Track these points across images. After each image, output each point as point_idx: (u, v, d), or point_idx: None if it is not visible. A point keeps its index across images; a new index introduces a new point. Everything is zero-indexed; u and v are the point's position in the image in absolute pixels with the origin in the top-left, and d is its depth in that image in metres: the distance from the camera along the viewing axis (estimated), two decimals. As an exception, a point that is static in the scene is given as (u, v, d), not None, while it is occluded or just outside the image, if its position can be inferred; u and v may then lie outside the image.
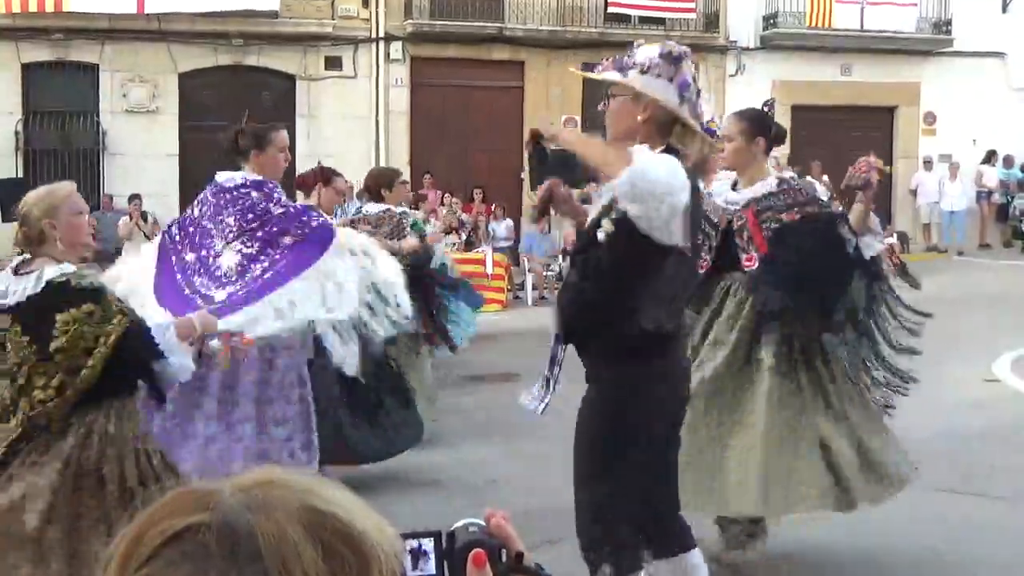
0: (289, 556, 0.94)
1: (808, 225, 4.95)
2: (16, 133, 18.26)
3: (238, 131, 5.54)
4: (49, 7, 17.86)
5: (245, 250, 5.13)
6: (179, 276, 5.12)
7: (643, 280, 3.59)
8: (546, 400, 3.85)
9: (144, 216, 16.43)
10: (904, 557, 5.40)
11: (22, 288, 3.89)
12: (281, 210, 5.25)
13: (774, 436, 4.74)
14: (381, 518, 1.03)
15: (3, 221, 14.42)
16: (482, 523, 1.20)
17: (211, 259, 5.13)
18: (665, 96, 3.64)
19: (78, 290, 3.87)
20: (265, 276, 5.03)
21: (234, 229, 5.20)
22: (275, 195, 5.32)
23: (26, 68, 18.48)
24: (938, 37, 22.24)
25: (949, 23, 22.18)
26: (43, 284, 3.88)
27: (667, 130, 3.67)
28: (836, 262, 4.97)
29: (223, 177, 5.46)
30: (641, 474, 3.71)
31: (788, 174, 5.60)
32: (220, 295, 4.96)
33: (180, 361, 3.98)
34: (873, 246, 4.97)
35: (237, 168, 5.49)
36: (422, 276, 7.16)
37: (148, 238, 16.48)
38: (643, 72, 3.66)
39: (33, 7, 17.86)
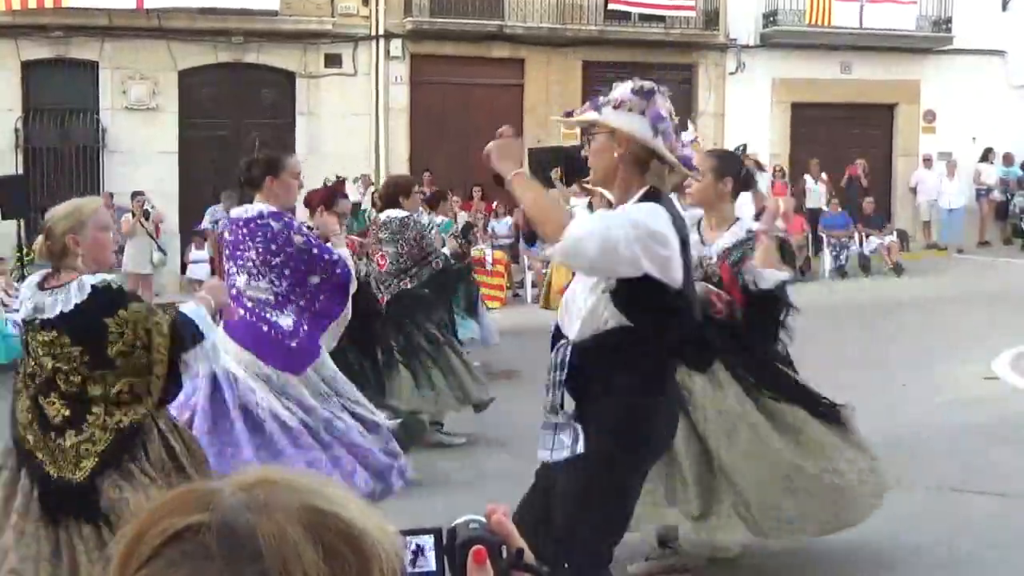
0: (289, 556, 0.94)
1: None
2: (16, 130, 18.23)
3: (250, 161, 5.53)
4: (48, 4, 17.84)
5: (275, 288, 5.26)
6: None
7: (657, 317, 3.66)
8: (568, 445, 3.79)
9: (146, 214, 16.41)
10: (903, 553, 5.40)
11: (64, 299, 3.92)
12: (302, 239, 5.30)
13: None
14: (381, 517, 1.02)
15: (2, 218, 14.43)
16: (483, 519, 1.20)
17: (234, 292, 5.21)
18: (639, 131, 3.65)
19: (121, 292, 3.99)
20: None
21: (257, 263, 5.26)
22: (294, 224, 5.36)
23: (26, 65, 18.46)
24: (938, 35, 22.22)
25: (949, 21, 22.17)
26: (88, 290, 3.91)
27: (644, 165, 3.68)
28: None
29: (237, 212, 5.51)
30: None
31: (761, 183, 5.71)
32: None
33: (214, 340, 4.12)
34: (770, 279, 4.98)
35: (250, 197, 5.51)
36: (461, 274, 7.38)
37: (151, 235, 16.53)
38: (615, 108, 3.69)
39: (33, 4, 17.84)
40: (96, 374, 3.88)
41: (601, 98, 3.75)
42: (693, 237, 4.70)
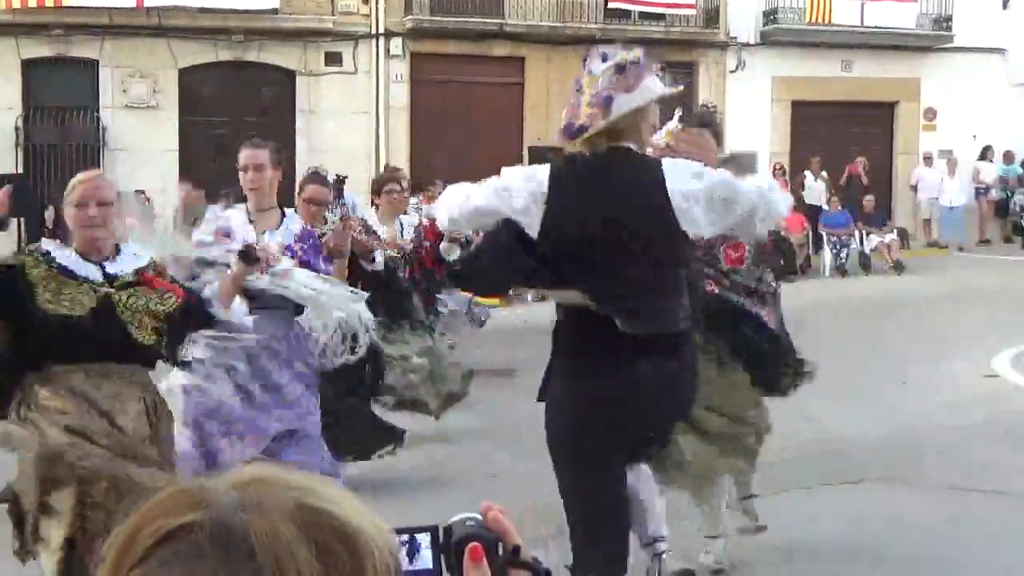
0: (283, 555, 0.93)
1: None
2: (16, 129, 18.24)
3: None
4: (49, 3, 17.86)
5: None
6: None
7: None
8: None
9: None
10: (904, 552, 5.40)
11: None
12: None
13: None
14: (375, 515, 1.02)
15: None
16: (479, 517, 1.21)
17: None
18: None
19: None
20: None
21: None
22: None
23: (26, 64, 18.46)
24: (938, 33, 22.21)
25: (949, 19, 22.16)
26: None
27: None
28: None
29: None
30: None
31: None
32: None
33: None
34: None
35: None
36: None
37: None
38: None
39: (33, 3, 17.85)
40: None
41: None
42: None
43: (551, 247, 3.69)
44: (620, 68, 3.73)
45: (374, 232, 7.26)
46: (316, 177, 6.85)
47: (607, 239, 3.72)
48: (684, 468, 4.67)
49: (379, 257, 7.08)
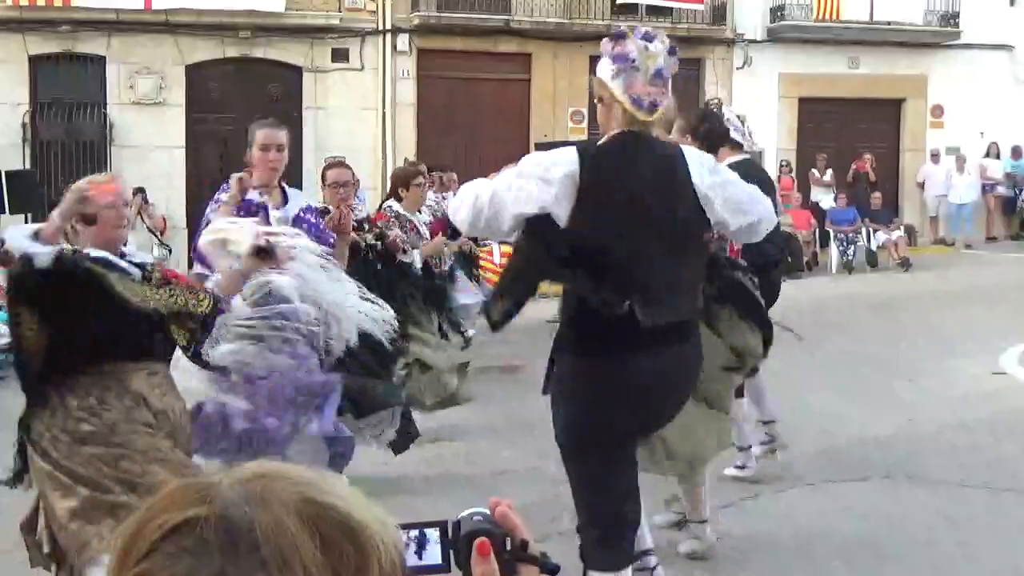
0: (288, 549, 0.94)
1: None
2: (24, 125, 18.27)
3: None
4: (56, 0, 17.89)
5: None
6: None
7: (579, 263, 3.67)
8: None
9: (145, 207, 16.43)
10: (911, 548, 5.39)
11: None
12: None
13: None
14: (381, 510, 1.02)
15: (10, 212, 14.47)
16: (487, 512, 1.21)
17: None
18: (602, 73, 3.76)
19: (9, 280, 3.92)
20: None
21: None
22: (210, 207, 5.29)
23: (33, 60, 18.48)
24: (946, 30, 22.17)
25: (957, 16, 22.11)
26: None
27: (612, 109, 3.76)
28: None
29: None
30: None
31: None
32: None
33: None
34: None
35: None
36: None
37: (152, 232, 16.54)
38: (601, 57, 3.82)
39: (40, 0, 17.88)
40: None
41: None
42: None
43: (582, 234, 3.61)
44: (672, 51, 3.76)
45: (416, 231, 7.65)
46: (335, 162, 7.20)
47: (640, 225, 3.67)
48: (675, 453, 4.75)
49: (417, 257, 7.43)
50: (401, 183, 7.87)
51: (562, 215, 3.59)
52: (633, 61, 3.66)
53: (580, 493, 3.85)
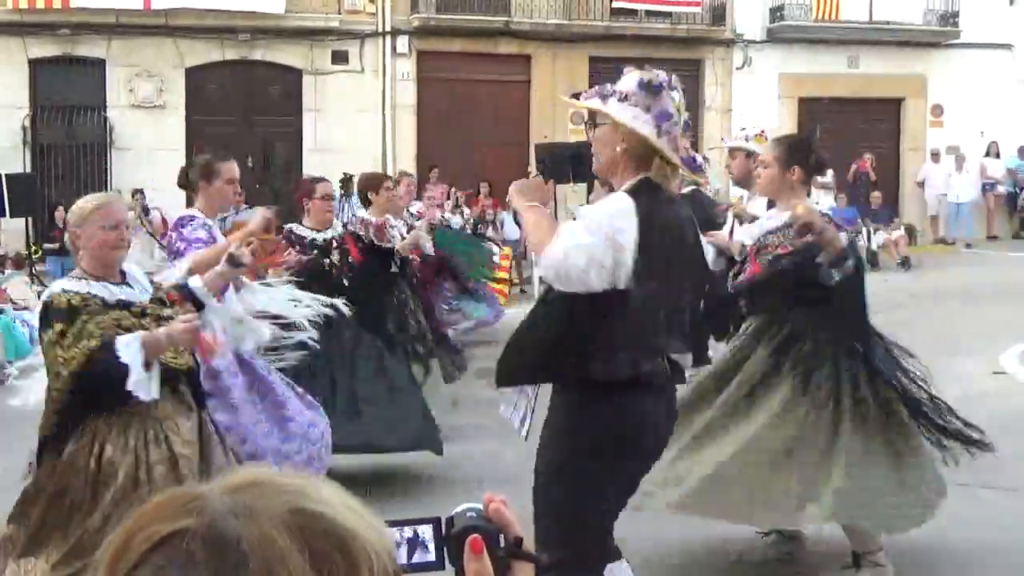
0: (275, 563, 0.93)
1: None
2: (24, 128, 18.28)
3: (186, 167, 5.79)
4: (56, 3, 17.90)
5: None
6: None
7: (600, 322, 3.52)
8: (528, 423, 3.87)
9: (146, 210, 16.41)
10: (913, 548, 5.38)
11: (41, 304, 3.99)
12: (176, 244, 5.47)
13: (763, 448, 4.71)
14: (373, 516, 1.02)
15: (10, 216, 14.45)
16: (481, 508, 1.20)
17: None
18: (642, 127, 3.54)
19: (54, 310, 3.83)
20: None
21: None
22: (180, 231, 5.47)
23: (34, 63, 18.50)
24: (945, 29, 22.16)
25: (956, 15, 22.11)
26: (41, 304, 3.95)
27: (646, 162, 3.57)
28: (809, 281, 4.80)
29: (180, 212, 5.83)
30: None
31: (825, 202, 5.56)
32: None
33: (137, 379, 3.76)
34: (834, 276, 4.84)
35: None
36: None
37: (152, 235, 16.50)
38: (620, 100, 3.57)
39: (40, 3, 17.90)
40: None
41: (608, 86, 3.65)
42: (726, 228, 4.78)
43: (638, 282, 3.48)
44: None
45: (393, 227, 7.57)
46: (318, 178, 7.30)
47: (679, 275, 3.64)
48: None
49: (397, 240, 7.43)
50: (370, 188, 7.77)
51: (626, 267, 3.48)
52: (671, 117, 3.56)
53: (565, 528, 3.65)
